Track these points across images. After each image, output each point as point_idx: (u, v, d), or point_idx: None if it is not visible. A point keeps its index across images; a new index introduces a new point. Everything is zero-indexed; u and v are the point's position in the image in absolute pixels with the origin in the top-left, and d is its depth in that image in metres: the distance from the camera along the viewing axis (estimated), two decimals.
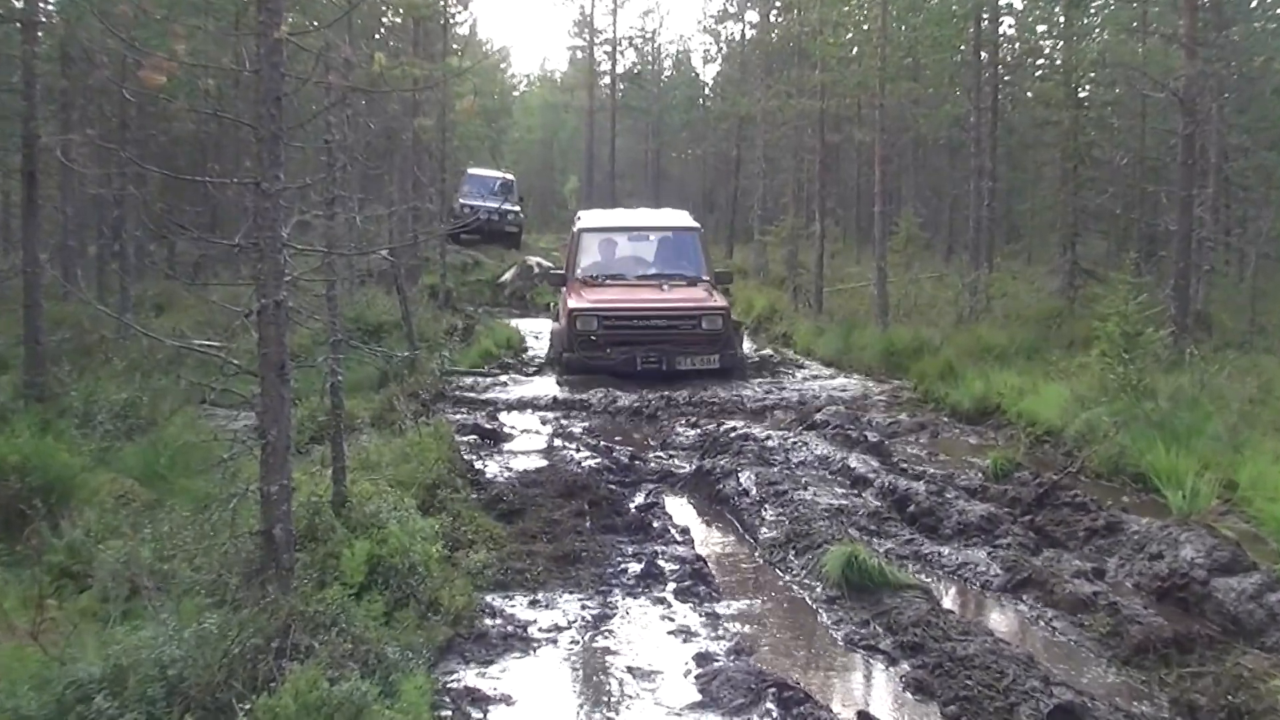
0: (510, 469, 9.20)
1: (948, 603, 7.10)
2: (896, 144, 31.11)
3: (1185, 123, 16.02)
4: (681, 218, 20.10)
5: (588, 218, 19.64)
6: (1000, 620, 6.94)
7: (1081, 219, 22.28)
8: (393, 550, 5.67)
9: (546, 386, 15.66)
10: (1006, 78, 25.13)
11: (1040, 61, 27.25)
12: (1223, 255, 24.43)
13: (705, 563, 7.59)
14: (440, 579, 5.89)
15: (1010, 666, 5.80)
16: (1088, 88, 23.40)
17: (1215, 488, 9.19)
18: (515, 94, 59.80)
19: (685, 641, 6.19)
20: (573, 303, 16.69)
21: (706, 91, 52.24)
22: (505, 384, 15.35)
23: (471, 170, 34.44)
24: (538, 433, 11.19)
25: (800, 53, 27.40)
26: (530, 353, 18.84)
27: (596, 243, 18.59)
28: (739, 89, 39.73)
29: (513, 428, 10.87)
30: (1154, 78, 17.56)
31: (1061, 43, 23.98)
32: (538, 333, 20.69)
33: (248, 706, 3.84)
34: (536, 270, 26.33)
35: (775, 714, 5.24)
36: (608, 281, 17.42)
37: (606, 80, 51.51)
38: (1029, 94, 28.87)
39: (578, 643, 6.05)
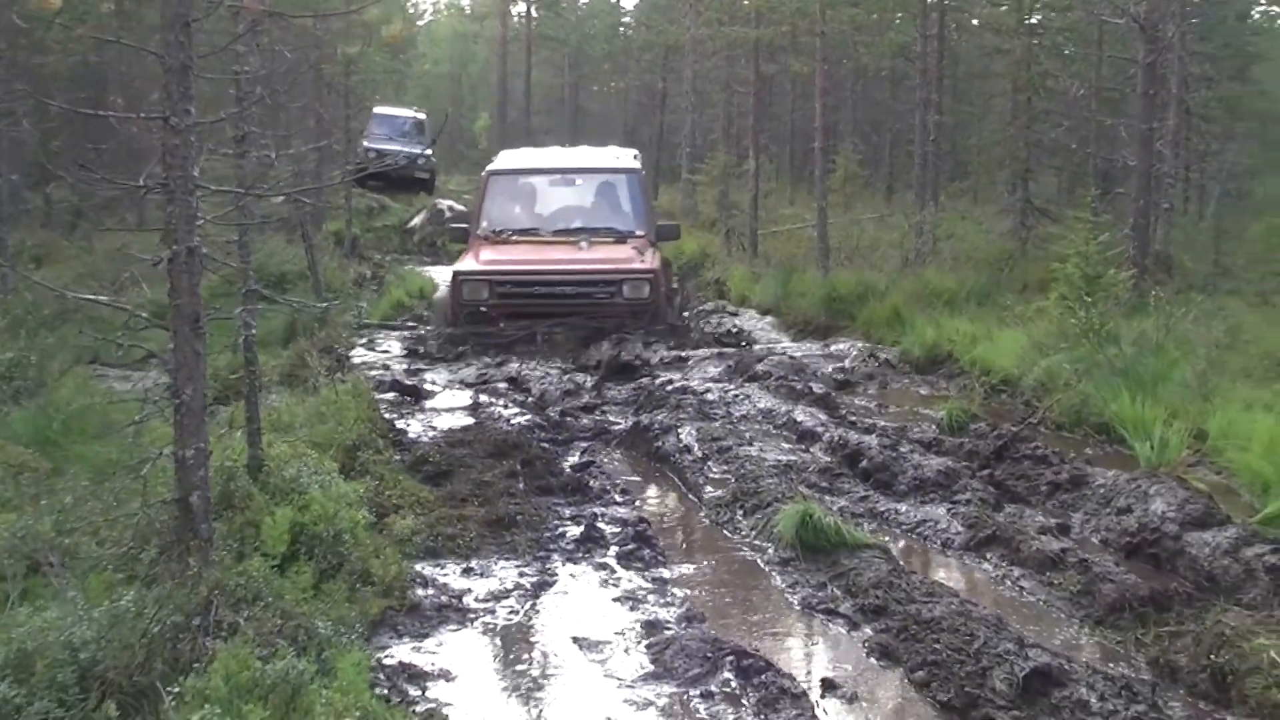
0: (434, 428, 9.15)
1: (909, 563, 7.16)
2: (835, 75, 31.14)
3: (1146, 51, 16.19)
4: (618, 157, 17.39)
5: (503, 159, 17.16)
6: (965, 580, 7.04)
7: (1034, 154, 22.49)
8: (316, 517, 5.62)
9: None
10: (951, 3, 25.18)
11: None
12: (1182, 192, 24.78)
13: (648, 524, 7.61)
14: (368, 547, 5.85)
15: (980, 629, 5.87)
16: (1040, 13, 23.53)
17: (1184, 438, 9.35)
18: (421, 24, 59.14)
19: (632, 609, 6.21)
20: (461, 265, 14.51)
21: (629, 19, 52.04)
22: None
23: (379, 109, 33.98)
24: (461, 387, 11.13)
25: None
26: None
27: (508, 190, 16.03)
28: (665, 16, 39.61)
29: (434, 383, 10.80)
30: (1113, 2, 17.69)
31: None
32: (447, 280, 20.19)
33: (175, 690, 3.79)
34: (448, 215, 26.08)
35: (734, 683, 5.28)
36: (516, 238, 14.87)
37: (521, 8, 51.06)
38: (976, 21, 29.03)
39: (518, 612, 6.05)
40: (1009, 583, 7.03)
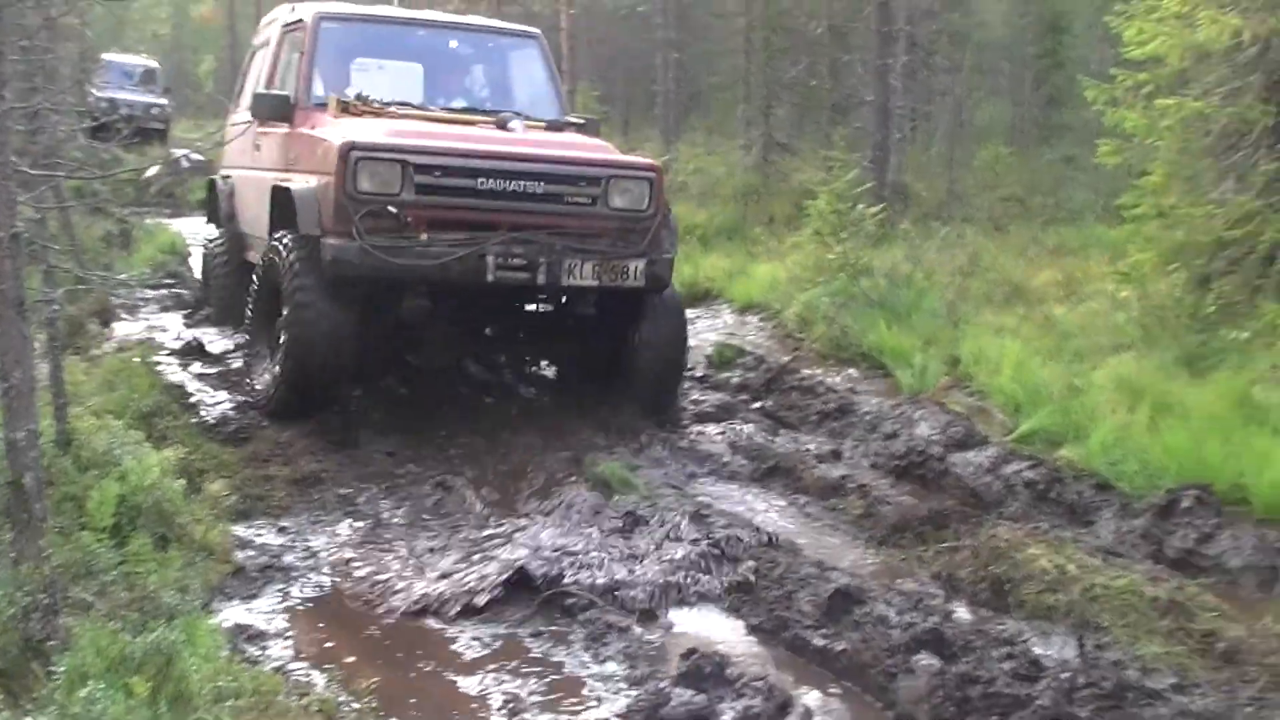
0: (225, 388, 9.12)
1: (701, 497, 7.54)
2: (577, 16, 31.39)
3: None
4: (500, 23, 12.87)
5: (316, 6, 10.15)
6: (757, 510, 7.45)
7: (773, 90, 23.22)
8: (135, 488, 5.68)
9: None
10: None
11: None
12: (912, 123, 25.89)
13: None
14: (188, 514, 5.94)
15: (779, 555, 6.33)
16: None
17: (941, 364, 10.06)
18: None
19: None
20: (336, 132, 8.43)
21: None
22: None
23: (108, 56, 32.74)
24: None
25: None
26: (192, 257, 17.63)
27: (349, 43, 10.05)
28: None
29: (212, 342, 10.68)
30: None
31: None
32: (197, 235, 19.25)
33: (49, 669, 3.90)
34: (186, 165, 25.41)
35: (561, 620, 5.61)
36: (394, 110, 9.16)
37: None
38: None
39: (339, 568, 6.21)
40: (796, 509, 7.51)
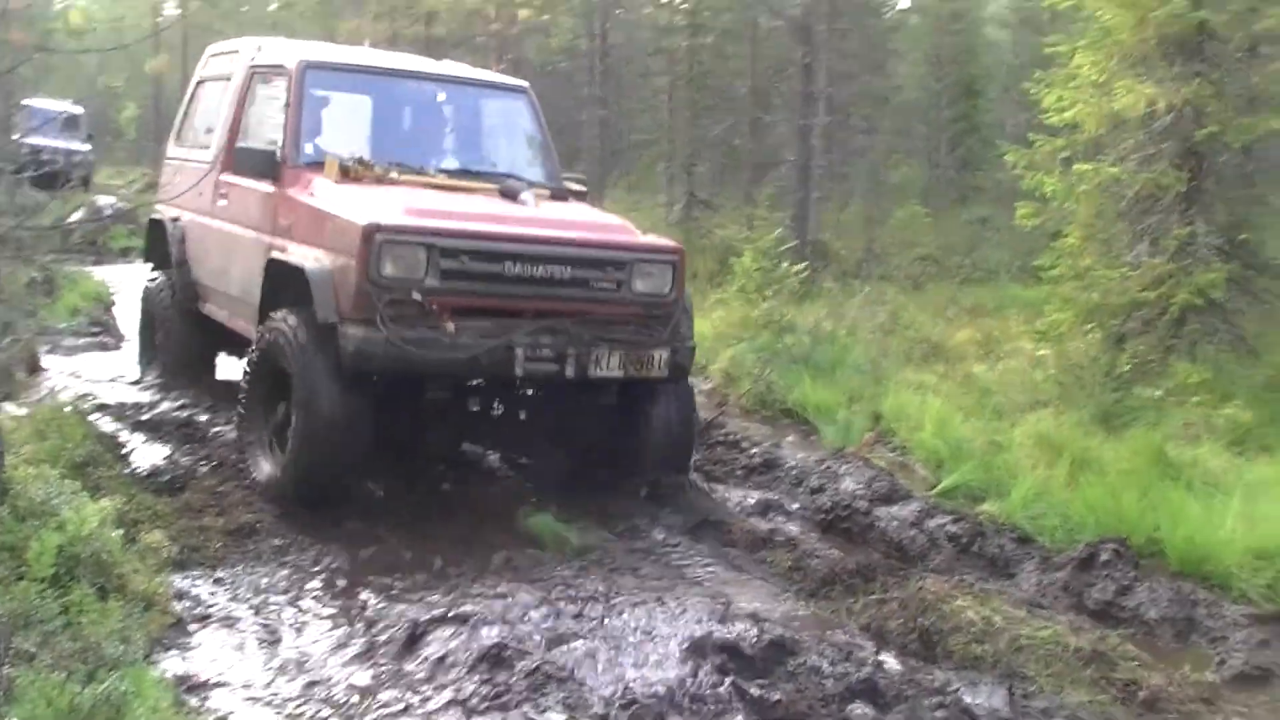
0: (159, 439, 9.06)
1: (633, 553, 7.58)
2: (510, 71, 31.56)
3: (804, 51, 17.27)
4: (487, 73, 11.51)
5: (295, 51, 9.42)
6: (689, 564, 7.51)
7: (697, 148, 23.52)
8: (73, 538, 5.65)
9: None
10: (619, 10, 26.06)
11: None
12: (827, 183, 26.32)
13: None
14: (126, 565, 5.91)
15: (716, 607, 6.40)
16: (703, 15, 24.62)
17: (864, 420, 10.24)
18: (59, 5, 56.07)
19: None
20: (351, 206, 7.74)
21: (287, 14, 50.77)
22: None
23: (29, 102, 32.35)
24: (180, 397, 10.86)
25: None
26: (116, 305, 17.32)
27: (337, 96, 9.34)
28: (328, 9, 39.01)
29: (146, 390, 10.56)
30: (770, 6, 18.76)
31: None
32: (121, 283, 18.89)
33: None
34: (109, 212, 25.20)
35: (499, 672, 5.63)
36: (395, 176, 8.55)
37: None
38: (646, 11, 29.87)
39: (276, 616, 6.21)
40: (726, 563, 7.59)
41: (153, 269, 11.01)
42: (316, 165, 8.45)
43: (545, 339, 7.64)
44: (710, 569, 7.42)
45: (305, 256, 7.81)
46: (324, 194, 8.12)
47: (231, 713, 5.08)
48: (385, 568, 6.95)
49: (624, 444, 8.55)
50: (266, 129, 9.08)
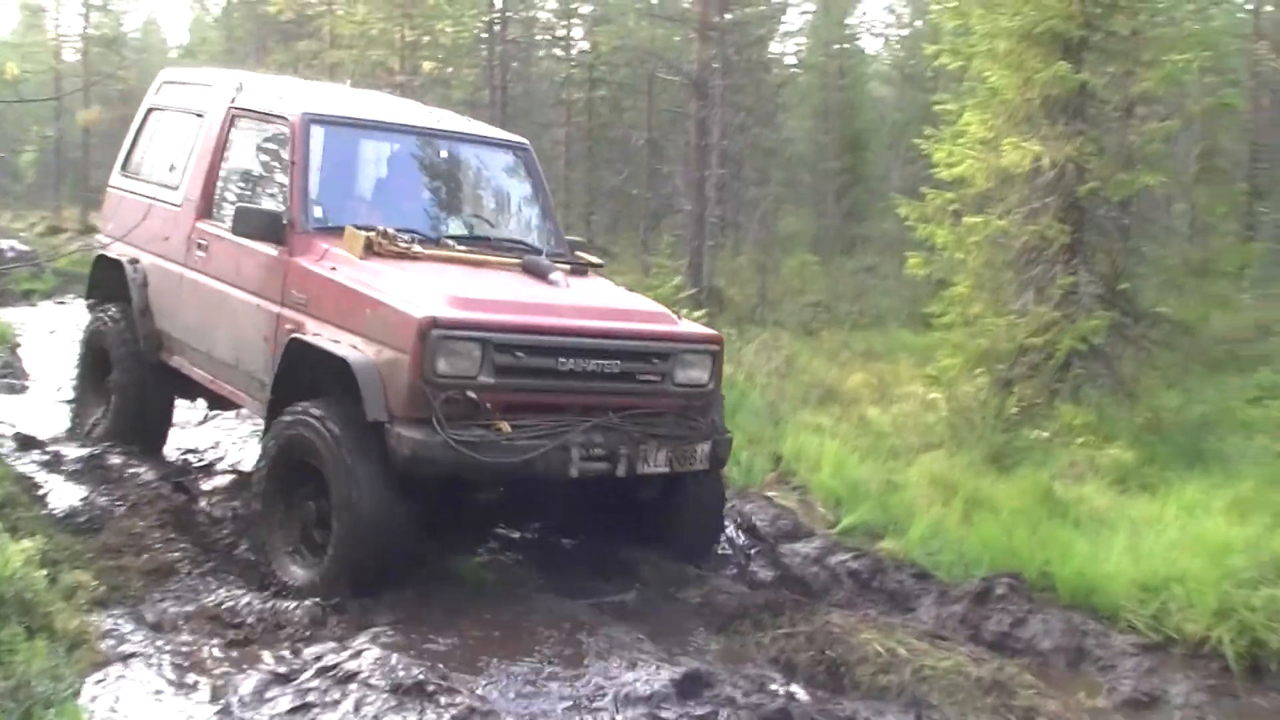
0: (73, 479, 8.97)
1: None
2: None
3: (699, 105, 17.58)
4: (480, 126, 10.13)
5: (291, 97, 8.71)
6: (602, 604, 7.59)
7: (595, 197, 23.78)
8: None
9: None
10: (515, 64, 26.28)
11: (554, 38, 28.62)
12: (720, 231, 26.72)
13: None
14: (51, 604, 5.90)
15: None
16: (605, 67, 24.96)
17: (765, 461, 10.44)
18: None
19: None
20: (402, 297, 7.05)
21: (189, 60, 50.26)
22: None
23: None
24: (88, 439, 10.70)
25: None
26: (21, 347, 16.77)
27: (345, 152, 8.66)
28: (234, 60, 38.79)
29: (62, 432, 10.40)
30: (667, 61, 19.08)
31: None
32: (25, 325, 18.18)
33: None
34: (10, 254, 24.80)
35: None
36: (418, 249, 7.83)
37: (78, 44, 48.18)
38: (545, 65, 30.17)
39: (198, 652, 6.21)
40: (640, 600, 7.68)
41: (93, 305, 10.09)
42: (326, 231, 7.81)
43: (598, 437, 7.15)
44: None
45: (341, 343, 7.13)
46: (352, 272, 7.41)
47: None
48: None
49: (652, 530, 8.16)
50: (253, 179, 8.57)
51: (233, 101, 8.86)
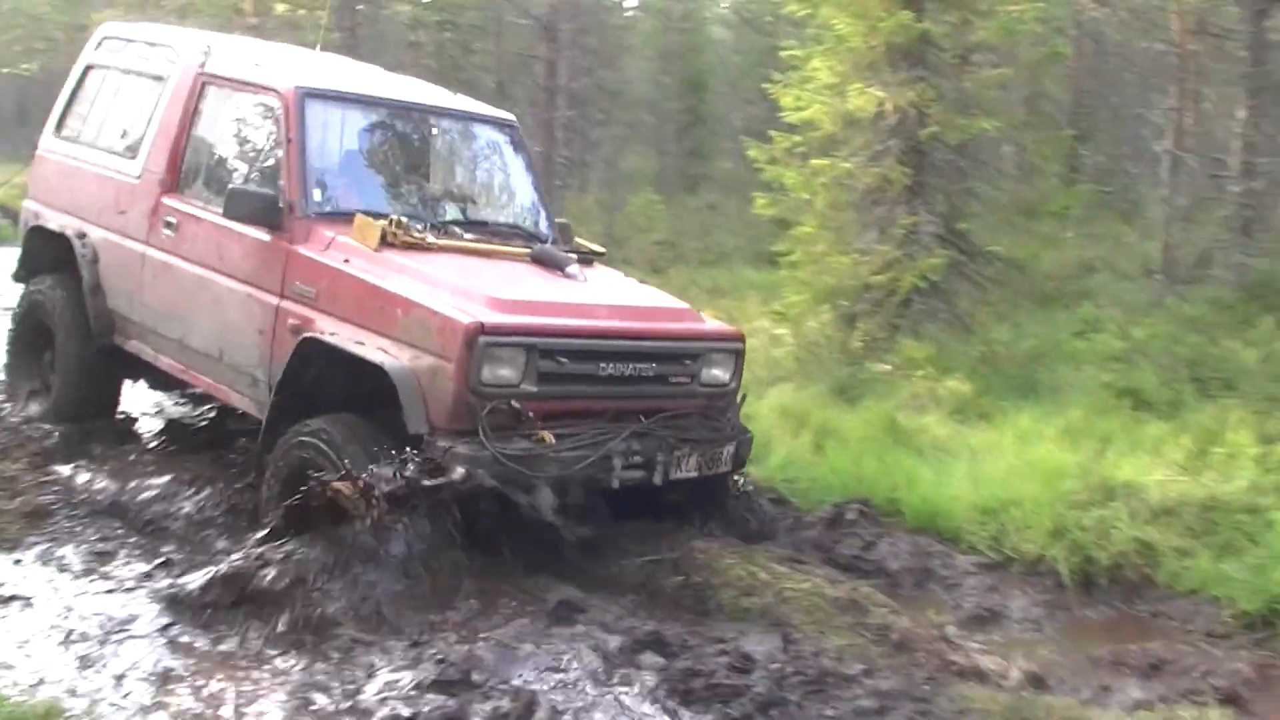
0: None
1: None
2: None
3: (549, 48, 17.60)
4: (478, 104, 9.13)
5: (279, 67, 7.95)
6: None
7: None
8: None
9: None
10: (363, 5, 25.84)
11: None
12: (568, 172, 26.78)
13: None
14: None
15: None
16: (451, 12, 24.70)
17: None
18: None
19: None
20: (439, 299, 6.45)
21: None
22: None
23: None
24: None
25: None
26: None
27: (339, 130, 7.82)
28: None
29: None
30: (517, 4, 19.03)
31: None
32: None
33: None
34: None
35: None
36: (430, 241, 7.17)
37: None
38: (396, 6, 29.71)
39: (76, 596, 6.20)
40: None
41: (26, 278, 9.22)
42: (328, 217, 7.16)
43: (636, 445, 6.71)
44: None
45: (366, 345, 6.50)
46: (371, 266, 6.78)
47: (36, 686, 5.13)
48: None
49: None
50: (230, 155, 7.83)
51: (202, 67, 8.06)
